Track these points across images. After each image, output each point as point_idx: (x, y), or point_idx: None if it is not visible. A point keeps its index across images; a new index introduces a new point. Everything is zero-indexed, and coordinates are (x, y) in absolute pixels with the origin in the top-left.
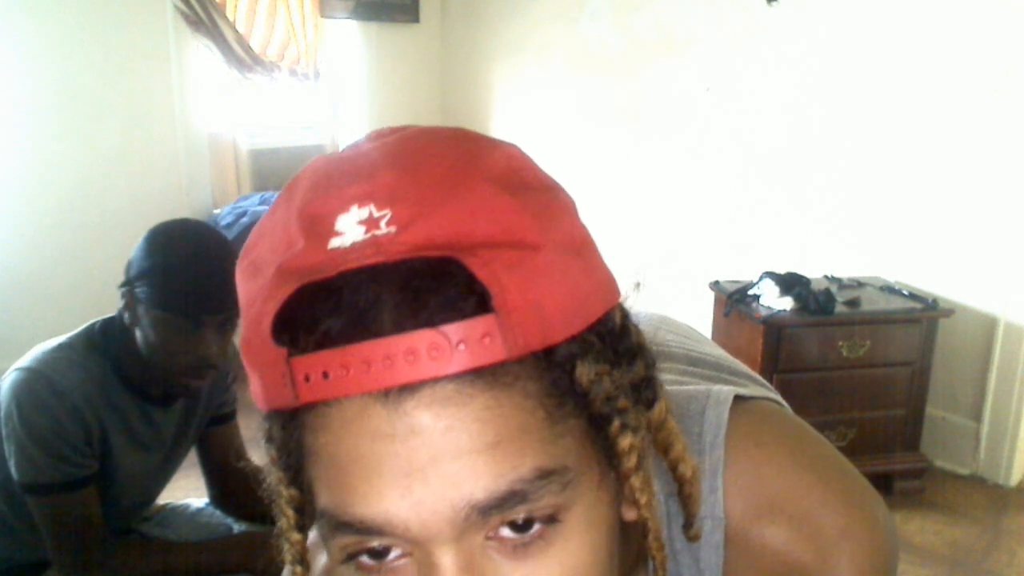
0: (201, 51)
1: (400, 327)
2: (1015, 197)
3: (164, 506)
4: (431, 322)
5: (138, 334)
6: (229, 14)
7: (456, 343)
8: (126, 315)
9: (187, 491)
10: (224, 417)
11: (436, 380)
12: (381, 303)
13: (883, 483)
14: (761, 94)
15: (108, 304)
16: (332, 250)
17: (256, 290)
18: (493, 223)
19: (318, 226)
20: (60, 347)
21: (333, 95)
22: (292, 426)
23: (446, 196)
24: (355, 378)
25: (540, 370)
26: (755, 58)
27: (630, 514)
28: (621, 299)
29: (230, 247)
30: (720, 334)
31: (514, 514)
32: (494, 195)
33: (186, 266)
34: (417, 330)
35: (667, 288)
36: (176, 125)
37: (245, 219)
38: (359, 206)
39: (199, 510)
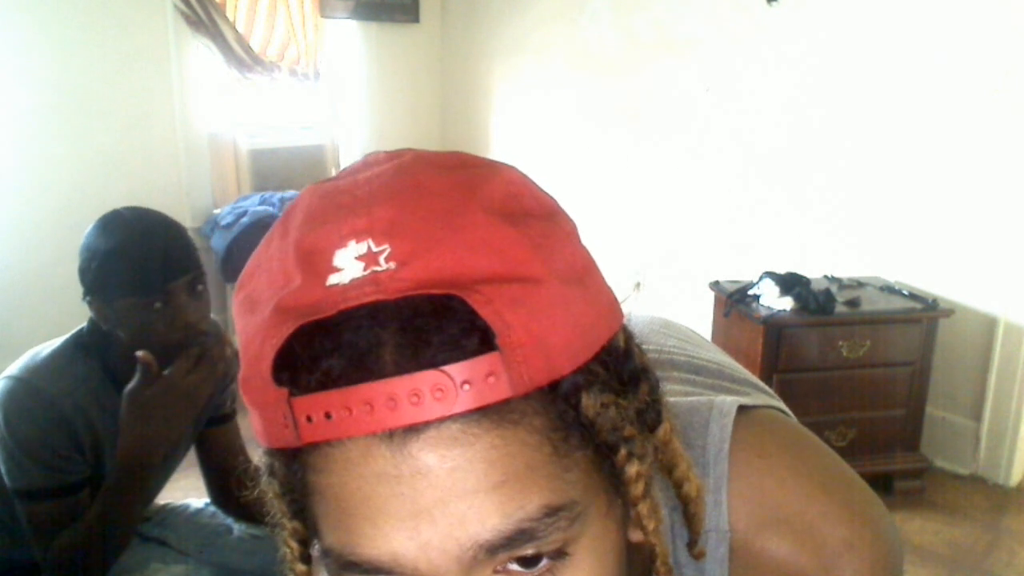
0: (201, 51)
1: (403, 368)
2: (1015, 197)
3: (164, 506)
4: (434, 362)
5: (120, 334)
6: (229, 14)
7: (460, 383)
8: (102, 323)
9: (187, 491)
10: (223, 418)
11: (441, 420)
12: (382, 343)
13: (883, 483)
14: (761, 94)
15: None
16: (331, 287)
17: (254, 328)
18: (494, 257)
19: (315, 261)
20: (50, 354)
21: (333, 95)
22: (295, 464)
23: (445, 230)
24: (358, 419)
25: (545, 404)
26: (755, 58)
27: (636, 535)
28: (625, 318)
29: (162, 216)
30: (720, 334)
31: (522, 551)
32: (494, 227)
33: (128, 245)
34: (420, 371)
35: (667, 288)
36: (176, 125)
37: (245, 219)
38: (357, 241)
39: (199, 510)
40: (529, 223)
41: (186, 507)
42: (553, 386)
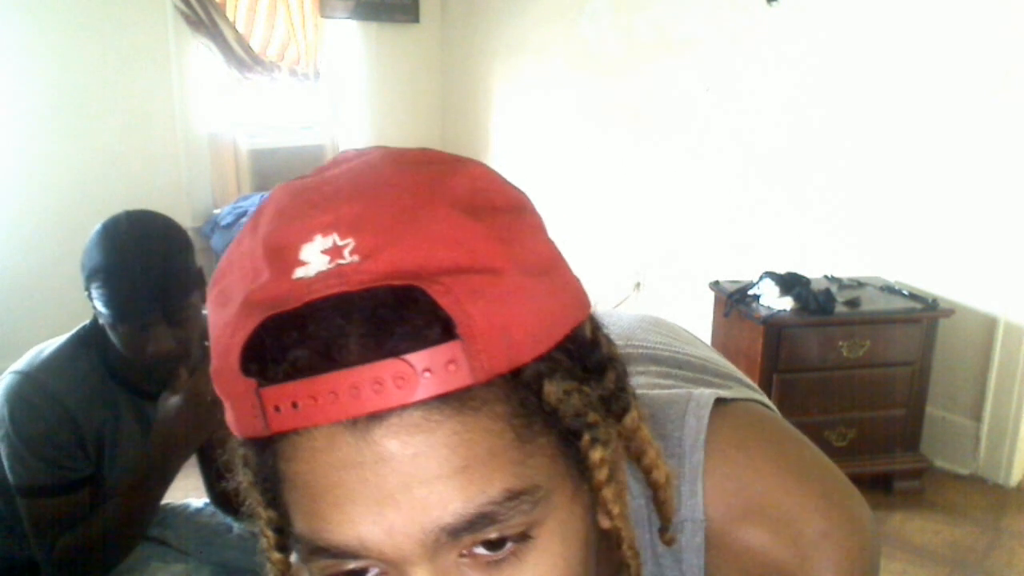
0: (201, 51)
1: (366, 357)
2: (1015, 197)
3: (164, 506)
4: (396, 351)
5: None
6: (229, 14)
7: (421, 371)
8: (98, 317)
9: (187, 491)
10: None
11: (403, 408)
12: (346, 334)
13: (883, 483)
14: (761, 94)
15: None
16: (297, 280)
17: (224, 321)
18: (456, 249)
19: (283, 256)
20: (56, 349)
21: (333, 95)
22: (266, 454)
23: (409, 223)
24: (323, 408)
25: (507, 391)
26: (755, 58)
27: (606, 522)
28: (592, 310)
29: (171, 237)
30: (720, 334)
31: (485, 534)
32: (457, 220)
33: (110, 266)
34: (382, 360)
35: (667, 288)
36: (176, 125)
37: (245, 219)
38: (323, 235)
39: (198, 510)
40: (493, 216)
41: (186, 507)
42: (515, 373)
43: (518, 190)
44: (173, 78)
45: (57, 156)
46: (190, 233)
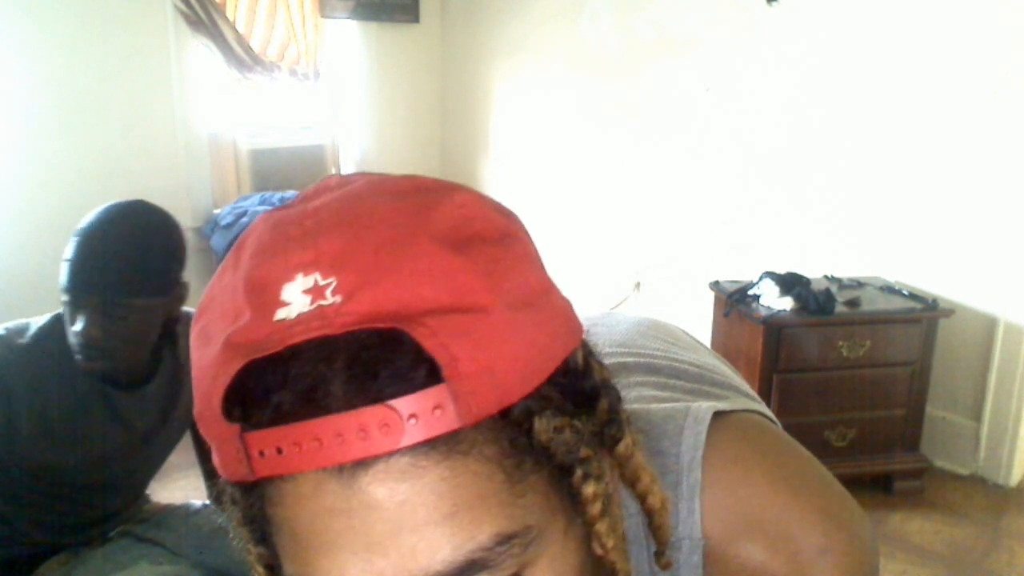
0: (201, 51)
1: (350, 403)
2: (1015, 197)
3: (164, 507)
4: (381, 397)
5: None
6: (229, 14)
7: (407, 417)
8: None
9: (187, 491)
10: None
11: (390, 454)
12: (329, 379)
13: (883, 483)
14: (761, 94)
15: None
16: (278, 322)
17: (206, 363)
18: (440, 288)
19: (264, 296)
20: (35, 322)
21: (333, 95)
22: (253, 496)
23: (391, 261)
24: (308, 455)
25: (496, 432)
26: (755, 58)
27: (599, 550)
28: (584, 335)
29: (154, 236)
30: (720, 334)
31: None
32: (441, 257)
33: (85, 238)
34: (367, 406)
35: (667, 288)
36: (176, 125)
37: (245, 219)
38: (304, 274)
39: (197, 511)
40: (479, 249)
41: (186, 508)
42: (504, 413)
43: (508, 217)
44: (173, 78)
45: (57, 156)
46: (190, 233)
